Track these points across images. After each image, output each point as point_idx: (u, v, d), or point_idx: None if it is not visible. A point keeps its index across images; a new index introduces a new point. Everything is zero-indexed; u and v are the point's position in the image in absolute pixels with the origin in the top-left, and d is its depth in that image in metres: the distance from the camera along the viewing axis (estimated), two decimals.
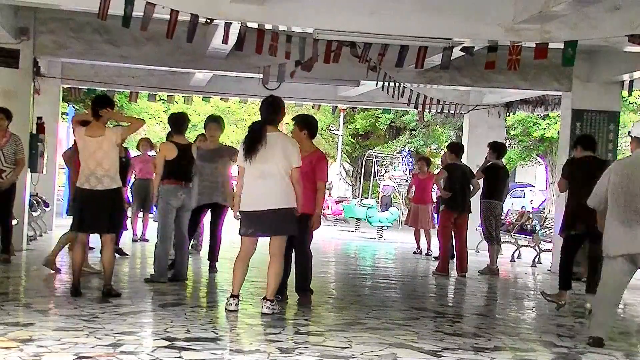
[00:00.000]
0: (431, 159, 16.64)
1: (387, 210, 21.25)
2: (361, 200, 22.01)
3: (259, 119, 6.84)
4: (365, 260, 13.24)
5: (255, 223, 6.60)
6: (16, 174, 9.28)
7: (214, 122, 9.37)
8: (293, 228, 6.68)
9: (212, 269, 9.28)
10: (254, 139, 6.59)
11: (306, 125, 7.30)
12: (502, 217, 12.63)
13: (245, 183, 6.68)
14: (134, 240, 12.59)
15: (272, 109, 6.76)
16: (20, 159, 9.24)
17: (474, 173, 11.11)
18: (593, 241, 7.90)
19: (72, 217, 7.51)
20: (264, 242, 6.78)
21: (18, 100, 10.62)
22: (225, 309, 6.64)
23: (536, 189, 31.20)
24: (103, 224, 7.12)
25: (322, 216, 24.68)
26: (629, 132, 16.34)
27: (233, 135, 35.37)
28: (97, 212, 7.09)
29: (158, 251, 8.17)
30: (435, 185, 12.05)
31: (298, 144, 6.78)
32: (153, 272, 8.21)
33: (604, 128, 11.90)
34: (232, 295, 6.69)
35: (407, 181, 27.68)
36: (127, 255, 10.54)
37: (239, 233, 6.73)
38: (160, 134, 27.04)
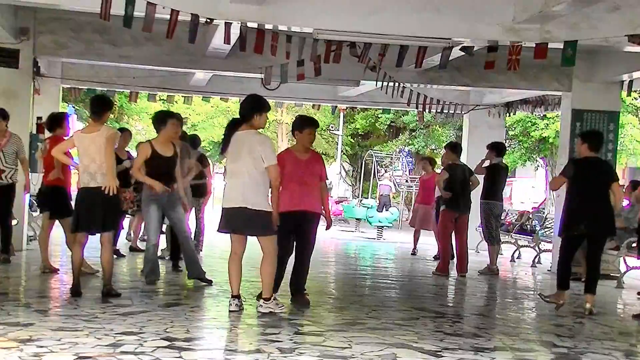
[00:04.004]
0: (435, 159, 16.52)
1: (384, 210, 21.23)
2: (361, 200, 22.01)
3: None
4: (365, 260, 13.24)
5: (228, 220, 6.62)
6: (25, 172, 9.33)
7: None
8: (262, 230, 6.54)
9: (175, 267, 9.24)
10: (223, 138, 6.73)
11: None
12: (502, 217, 12.62)
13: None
14: (128, 240, 12.53)
15: (247, 106, 6.70)
16: (22, 158, 9.27)
17: (474, 169, 11.10)
18: (591, 242, 7.90)
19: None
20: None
21: (18, 100, 10.64)
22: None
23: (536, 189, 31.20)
24: (97, 222, 7.07)
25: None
26: None
27: None
28: (90, 210, 7.05)
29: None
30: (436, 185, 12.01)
31: (269, 141, 6.70)
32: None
33: (604, 128, 11.89)
34: (232, 296, 6.70)
35: (407, 181, 27.70)
36: (124, 256, 10.53)
37: (217, 230, 6.77)
38: None
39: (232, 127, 6.71)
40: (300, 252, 7.24)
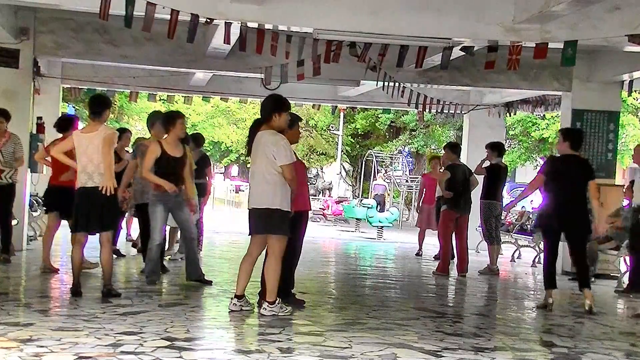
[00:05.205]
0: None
1: (379, 209, 21.16)
2: (361, 200, 22.01)
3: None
4: (365, 260, 13.23)
5: (249, 222, 6.65)
6: (16, 172, 9.25)
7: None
8: (266, 228, 6.50)
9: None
10: (247, 140, 6.70)
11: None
12: (502, 217, 12.61)
13: None
14: (128, 240, 12.55)
15: (266, 107, 6.64)
16: (19, 157, 9.23)
17: (474, 170, 11.10)
18: (569, 240, 7.93)
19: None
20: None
21: (18, 100, 10.63)
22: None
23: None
24: (96, 222, 7.06)
25: (322, 216, 24.55)
26: None
27: (233, 135, 35.41)
28: (88, 210, 7.04)
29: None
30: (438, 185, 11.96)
31: (283, 141, 6.49)
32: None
33: (603, 128, 11.91)
34: (235, 295, 6.70)
35: (407, 181, 27.68)
36: (124, 255, 10.54)
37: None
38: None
39: (255, 128, 6.68)
40: (294, 253, 7.09)
